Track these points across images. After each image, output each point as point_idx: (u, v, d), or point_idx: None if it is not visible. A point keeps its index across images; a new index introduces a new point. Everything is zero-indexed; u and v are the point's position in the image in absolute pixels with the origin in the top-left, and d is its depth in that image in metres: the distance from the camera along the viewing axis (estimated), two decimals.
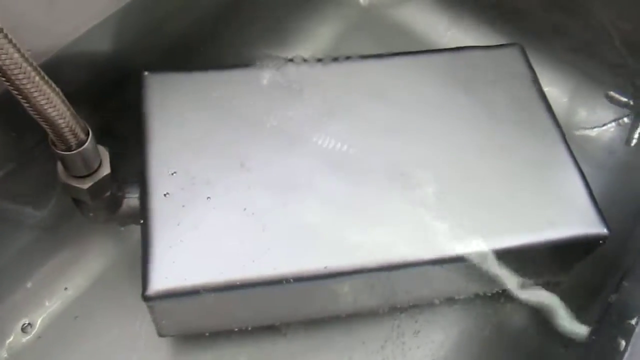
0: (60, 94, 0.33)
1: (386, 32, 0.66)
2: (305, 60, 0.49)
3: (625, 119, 0.59)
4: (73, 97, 0.34)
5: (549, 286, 0.48)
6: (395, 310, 0.48)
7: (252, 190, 0.41)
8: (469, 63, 0.51)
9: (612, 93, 0.61)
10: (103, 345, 0.45)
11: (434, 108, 0.48)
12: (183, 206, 0.40)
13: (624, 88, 0.60)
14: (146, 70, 0.46)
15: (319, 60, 0.50)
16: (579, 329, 0.45)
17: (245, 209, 0.40)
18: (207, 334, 0.45)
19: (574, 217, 0.43)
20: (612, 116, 0.60)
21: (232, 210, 0.40)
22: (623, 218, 0.50)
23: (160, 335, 0.43)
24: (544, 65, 0.52)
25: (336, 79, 0.49)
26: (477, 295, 0.49)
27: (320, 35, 0.65)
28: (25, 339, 0.46)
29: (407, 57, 0.51)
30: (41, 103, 0.32)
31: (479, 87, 0.49)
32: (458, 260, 0.41)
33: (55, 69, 0.43)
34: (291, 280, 0.39)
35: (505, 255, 0.42)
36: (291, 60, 0.49)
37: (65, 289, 0.47)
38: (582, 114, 0.60)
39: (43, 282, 0.47)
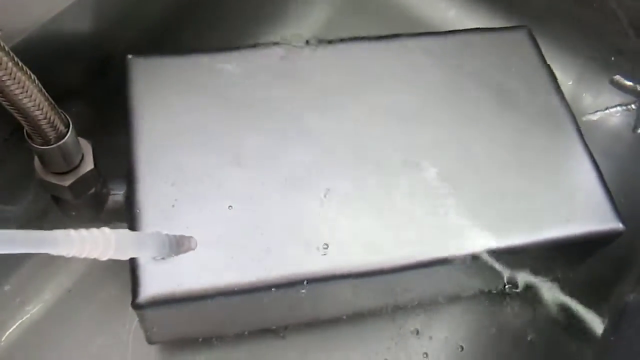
0: (37, 81, 0.30)
1: (383, 11, 0.63)
2: (302, 43, 0.46)
3: (633, 105, 0.57)
4: (50, 83, 0.31)
5: (558, 281, 0.46)
6: (398, 309, 0.46)
7: (248, 187, 0.38)
8: (475, 46, 0.48)
9: (618, 77, 0.58)
10: (87, 354, 0.42)
11: (439, 94, 0.45)
12: (173, 205, 0.37)
13: (630, 72, 0.58)
14: (130, 53, 0.43)
15: (317, 42, 0.46)
16: (593, 328, 0.43)
17: (241, 209, 0.37)
18: (200, 339, 0.42)
19: (588, 212, 0.41)
20: (618, 101, 0.58)
21: (228, 209, 0.37)
22: (632, 209, 0.48)
23: (150, 342, 0.40)
24: (546, 48, 0.50)
25: (335, 63, 0.46)
26: (482, 292, 0.47)
27: (312, 16, 0.61)
28: (1, 346, 0.42)
29: (411, 40, 0.48)
30: (15, 93, 0.28)
31: (486, 71, 0.47)
32: (469, 259, 0.39)
33: (30, 51, 0.39)
34: (292, 283, 0.36)
35: (518, 253, 0.40)
36: (287, 43, 0.46)
37: (45, 292, 0.44)
38: (588, 99, 0.58)
39: (21, 285, 0.44)
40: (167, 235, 0.33)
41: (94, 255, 0.26)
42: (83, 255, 0.26)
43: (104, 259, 0.27)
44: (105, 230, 0.27)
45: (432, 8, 0.63)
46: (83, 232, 0.26)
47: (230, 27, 0.56)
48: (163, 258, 0.34)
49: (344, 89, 0.44)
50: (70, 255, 0.25)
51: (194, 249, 0.35)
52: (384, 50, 0.47)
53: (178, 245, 0.34)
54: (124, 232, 0.29)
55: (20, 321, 0.43)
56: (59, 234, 0.25)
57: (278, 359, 0.44)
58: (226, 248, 0.36)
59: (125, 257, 0.29)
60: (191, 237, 0.35)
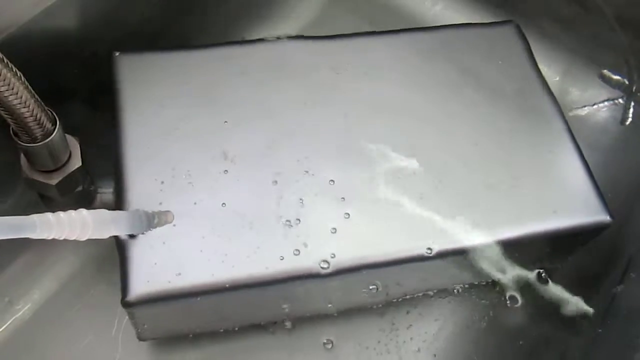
0: (23, 78, 0.29)
1: (370, 7, 0.62)
2: (290, 39, 0.46)
3: (620, 99, 0.58)
4: (36, 81, 0.31)
5: (546, 274, 0.46)
6: (388, 303, 0.46)
7: (237, 184, 0.38)
8: (464, 41, 0.48)
9: (605, 72, 0.59)
10: (77, 352, 0.42)
11: (428, 89, 0.45)
12: (161, 203, 0.37)
13: (617, 66, 0.58)
14: (117, 50, 0.42)
15: (305, 38, 0.46)
16: (582, 321, 0.43)
17: (230, 206, 0.37)
18: (190, 335, 0.42)
19: (576, 205, 0.42)
20: (605, 95, 0.58)
21: (217, 206, 0.37)
22: (619, 201, 0.48)
23: (141, 339, 0.40)
24: (533, 43, 0.50)
25: (322, 59, 0.45)
26: (472, 285, 0.47)
27: (300, 12, 0.61)
28: None
29: (398, 35, 0.48)
30: (1, 90, 0.28)
31: (475, 66, 0.47)
32: (458, 253, 0.39)
33: (16, 48, 0.39)
34: (282, 280, 0.36)
35: (506, 246, 0.40)
36: (275, 38, 0.46)
37: (34, 291, 0.44)
38: (575, 93, 0.58)
39: (9, 285, 0.44)
40: (144, 211, 0.34)
41: (73, 236, 0.27)
42: (63, 237, 0.26)
43: (84, 239, 0.28)
44: (83, 211, 0.28)
45: (419, 3, 0.63)
46: (61, 214, 0.26)
47: (217, 23, 0.56)
48: (143, 233, 0.34)
49: (331, 84, 0.44)
50: (50, 238, 0.26)
51: (170, 222, 0.35)
52: (371, 46, 0.47)
53: (156, 219, 0.34)
54: (101, 212, 0.29)
55: (9, 321, 0.43)
56: (36, 218, 0.25)
57: (268, 355, 0.44)
58: (216, 245, 0.36)
59: (105, 236, 0.30)
60: (168, 211, 0.35)
